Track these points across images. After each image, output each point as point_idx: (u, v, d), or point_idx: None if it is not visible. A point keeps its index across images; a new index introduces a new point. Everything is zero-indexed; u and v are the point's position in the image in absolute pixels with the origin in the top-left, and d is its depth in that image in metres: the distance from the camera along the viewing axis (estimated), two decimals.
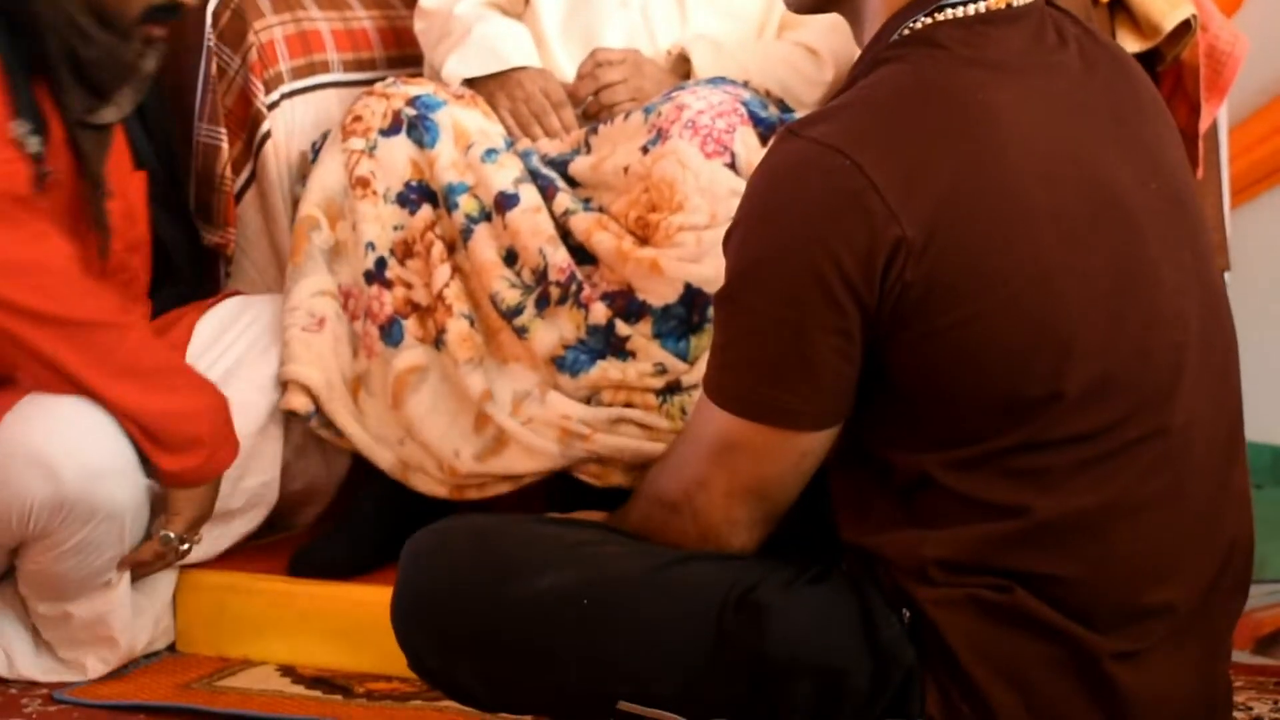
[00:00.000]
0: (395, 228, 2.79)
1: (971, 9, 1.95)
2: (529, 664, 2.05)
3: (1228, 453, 2.00)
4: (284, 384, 2.82)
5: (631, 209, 2.70)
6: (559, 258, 2.70)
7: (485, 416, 2.68)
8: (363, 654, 2.66)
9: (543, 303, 2.70)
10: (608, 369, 2.65)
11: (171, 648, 2.79)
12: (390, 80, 2.89)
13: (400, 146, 2.79)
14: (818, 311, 1.87)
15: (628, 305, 2.66)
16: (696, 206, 2.63)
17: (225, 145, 3.02)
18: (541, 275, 2.72)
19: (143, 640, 2.72)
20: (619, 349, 2.66)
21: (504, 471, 2.69)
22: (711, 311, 2.32)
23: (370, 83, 2.94)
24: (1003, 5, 1.96)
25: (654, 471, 2.14)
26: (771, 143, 1.99)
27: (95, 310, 2.55)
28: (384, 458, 2.79)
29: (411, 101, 2.82)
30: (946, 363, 1.88)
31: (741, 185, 2.48)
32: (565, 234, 2.74)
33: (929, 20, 1.94)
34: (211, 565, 2.82)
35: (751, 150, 2.66)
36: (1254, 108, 3.83)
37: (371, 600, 2.57)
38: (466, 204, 2.76)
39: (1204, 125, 2.98)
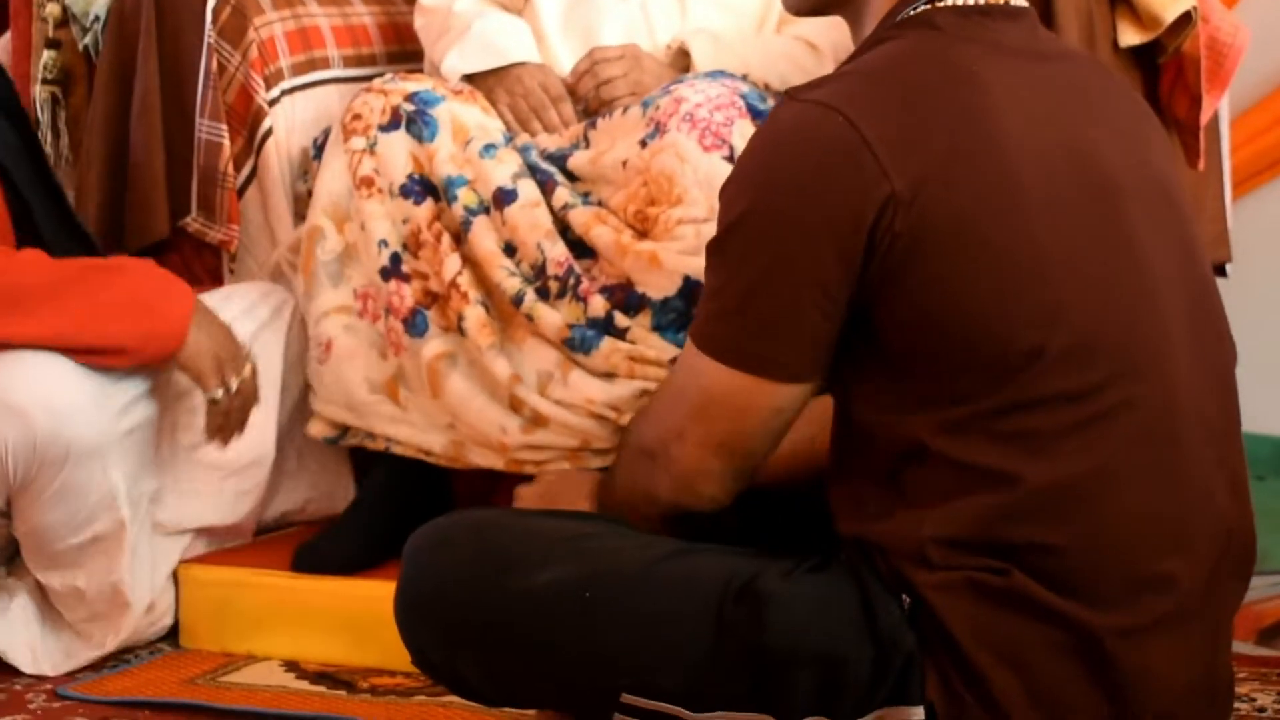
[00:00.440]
0: (404, 221, 2.79)
1: (970, 0, 1.99)
2: (531, 657, 2.05)
3: (1222, 435, 2.00)
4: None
5: (630, 203, 2.70)
6: (557, 252, 2.71)
7: (518, 398, 2.69)
8: (366, 649, 2.67)
9: (542, 296, 2.71)
10: (616, 343, 2.65)
11: (175, 643, 2.80)
12: (389, 76, 2.89)
13: (399, 142, 2.80)
14: (801, 265, 1.92)
15: (627, 298, 2.66)
16: (695, 200, 2.64)
17: (226, 141, 3.02)
18: (540, 269, 2.72)
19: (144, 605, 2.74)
20: (620, 338, 2.66)
21: (552, 444, 2.69)
22: None
23: (370, 78, 2.94)
24: (1000, 1, 2.00)
25: (636, 420, 2.19)
26: (773, 108, 2.02)
27: None
28: (437, 443, 2.79)
29: (410, 97, 2.82)
30: (933, 317, 1.90)
31: None
32: (564, 228, 2.74)
33: (927, 7, 2.00)
34: (215, 561, 2.82)
35: None
36: (1255, 99, 3.83)
37: (375, 595, 2.56)
38: (465, 197, 2.76)
39: (1205, 117, 2.98)
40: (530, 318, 2.69)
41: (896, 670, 1.93)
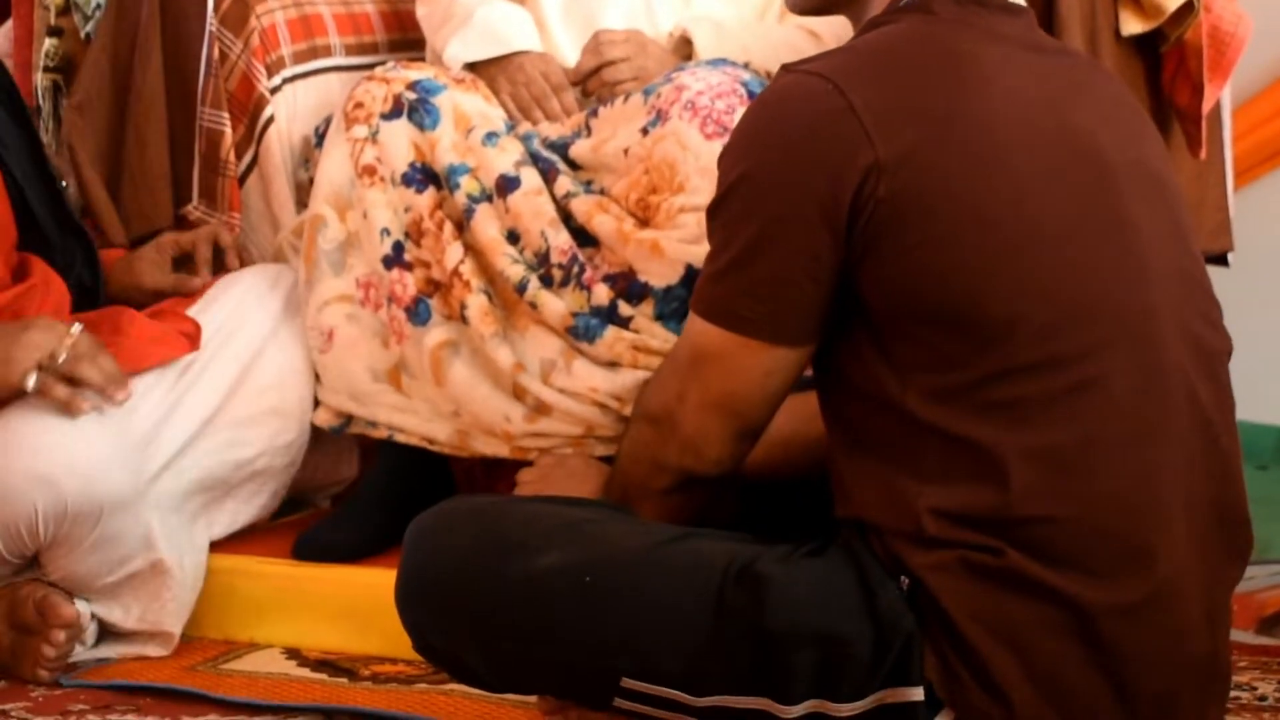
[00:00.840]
0: (406, 209, 2.79)
1: None
2: (533, 643, 2.06)
3: (1215, 419, 2.01)
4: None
5: (632, 191, 2.70)
6: (560, 240, 2.71)
7: (521, 386, 2.69)
8: (368, 637, 2.67)
9: (545, 284, 2.71)
10: (620, 332, 2.65)
11: None
12: (391, 64, 2.89)
13: (401, 130, 2.80)
14: (790, 229, 1.96)
15: (629, 287, 2.66)
16: (697, 188, 2.64)
17: (228, 129, 3.02)
18: (544, 257, 2.72)
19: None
20: (624, 327, 2.66)
21: (556, 432, 2.69)
22: None
23: (372, 67, 2.94)
24: None
25: (643, 391, 2.23)
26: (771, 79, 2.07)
27: None
28: (441, 431, 2.79)
29: (412, 85, 2.82)
30: (916, 283, 1.93)
31: None
32: (566, 216, 2.74)
33: None
34: (216, 549, 2.82)
35: None
36: (1258, 89, 3.83)
37: (376, 583, 2.57)
38: (468, 184, 2.76)
39: (1207, 106, 2.97)
40: (534, 305, 2.69)
41: (896, 651, 1.95)
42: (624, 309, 2.66)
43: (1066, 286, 1.94)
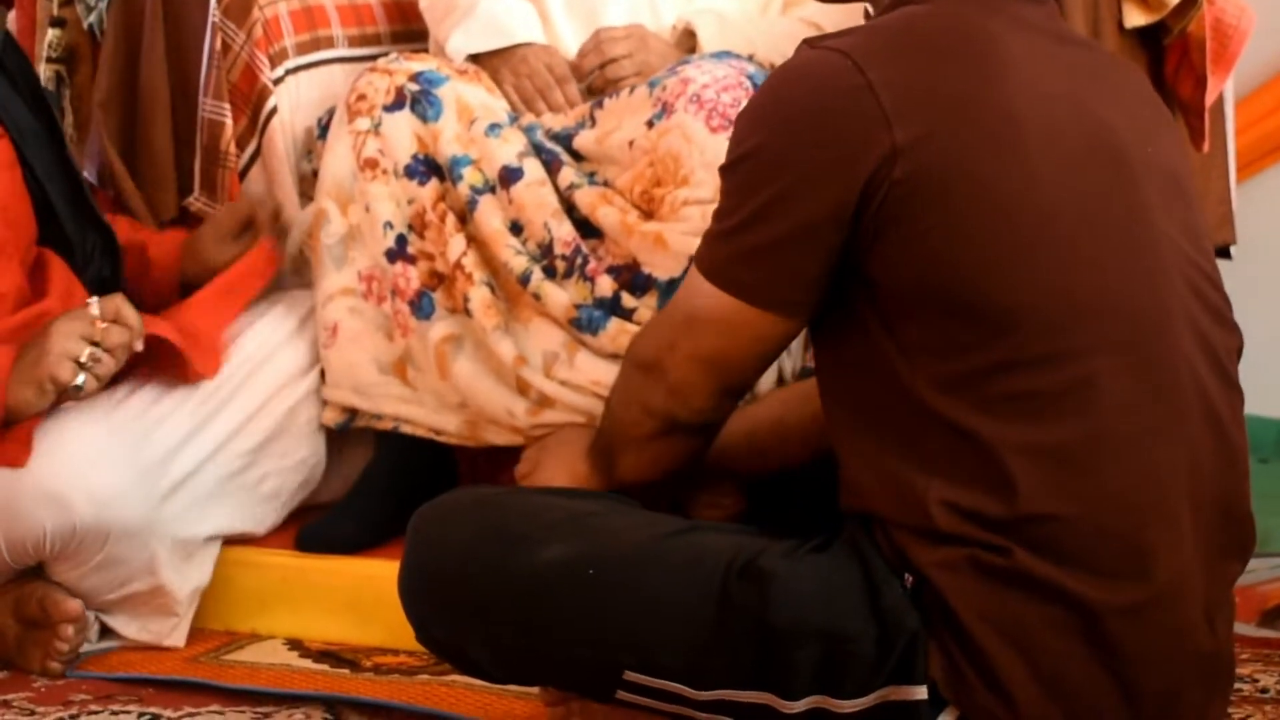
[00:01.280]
0: (409, 202, 2.79)
1: None
2: (535, 635, 2.06)
3: (1224, 412, 2.01)
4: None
5: (636, 183, 2.70)
6: (564, 231, 2.71)
7: (524, 380, 2.69)
8: (370, 628, 2.67)
9: (549, 275, 2.71)
10: (623, 324, 2.65)
11: None
12: (393, 56, 2.89)
13: (404, 122, 2.80)
14: (796, 203, 1.96)
15: (633, 279, 2.66)
16: (701, 181, 2.63)
17: (229, 121, 3.02)
18: (547, 249, 2.72)
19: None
20: (627, 319, 2.66)
21: (560, 423, 2.69)
22: None
23: (375, 58, 2.93)
24: None
25: (635, 336, 2.23)
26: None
27: None
28: (450, 423, 2.80)
29: (414, 77, 2.82)
30: (928, 266, 1.92)
31: None
32: (570, 208, 2.74)
33: None
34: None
35: None
36: (1260, 81, 3.82)
37: (379, 574, 2.57)
38: (471, 176, 2.76)
39: (1210, 99, 2.97)
40: (537, 297, 2.69)
41: (900, 649, 1.94)
42: (627, 301, 2.66)
43: (1078, 280, 1.93)
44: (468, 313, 2.73)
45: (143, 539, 2.61)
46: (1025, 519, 1.90)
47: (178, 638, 2.69)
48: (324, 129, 2.95)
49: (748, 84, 2.70)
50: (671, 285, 2.64)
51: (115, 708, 2.44)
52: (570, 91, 2.87)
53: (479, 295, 2.72)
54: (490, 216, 2.74)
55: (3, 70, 2.77)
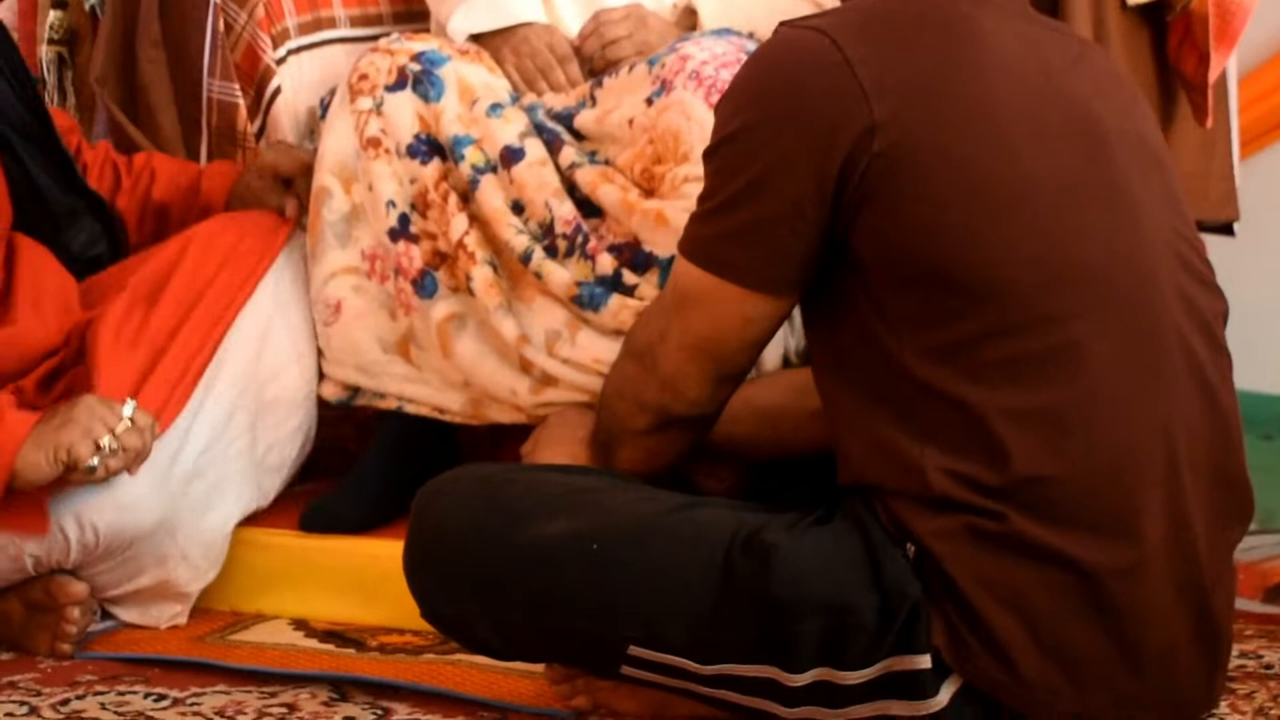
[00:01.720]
0: (411, 181, 2.79)
1: None
2: (540, 610, 2.07)
3: (1213, 375, 2.03)
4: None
5: (637, 161, 2.70)
6: (565, 210, 2.71)
7: (526, 359, 2.69)
8: (376, 607, 2.67)
9: (550, 254, 2.71)
10: (625, 300, 2.65)
11: None
12: (395, 36, 2.88)
13: (406, 101, 2.79)
14: (778, 181, 1.98)
15: (634, 257, 2.66)
16: (701, 156, 2.63)
17: (242, 101, 3.02)
18: (548, 228, 2.72)
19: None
20: (628, 296, 2.66)
21: (563, 402, 2.69)
22: None
23: (376, 38, 2.93)
24: None
25: (632, 326, 2.26)
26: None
27: None
28: (454, 402, 2.79)
29: (416, 57, 2.82)
30: (909, 238, 1.95)
31: None
32: (571, 187, 2.74)
33: None
34: None
35: None
36: (1263, 58, 3.82)
37: (384, 554, 2.57)
38: (472, 155, 2.76)
39: (1213, 75, 2.97)
40: (539, 275, 2.69)
41: (902, 619, 1.96)
42: (629, 278, 2.66)
43: (1058, 248, 1.95)
44: (470, 292, 2.73)
45: (160, 537, 2.62)
46: (1018, 483, 1.92)
47: (179, 620, 2.69)
48: (325, 109, 2.95)
49: (746, 59, 2.69)
50: (672, 263, 2.64)
51: (122, 688, 2.44)
52: (571, 70, 2.87)
53: (481, 274, 2.72)
54: (492, 196, 2.74)
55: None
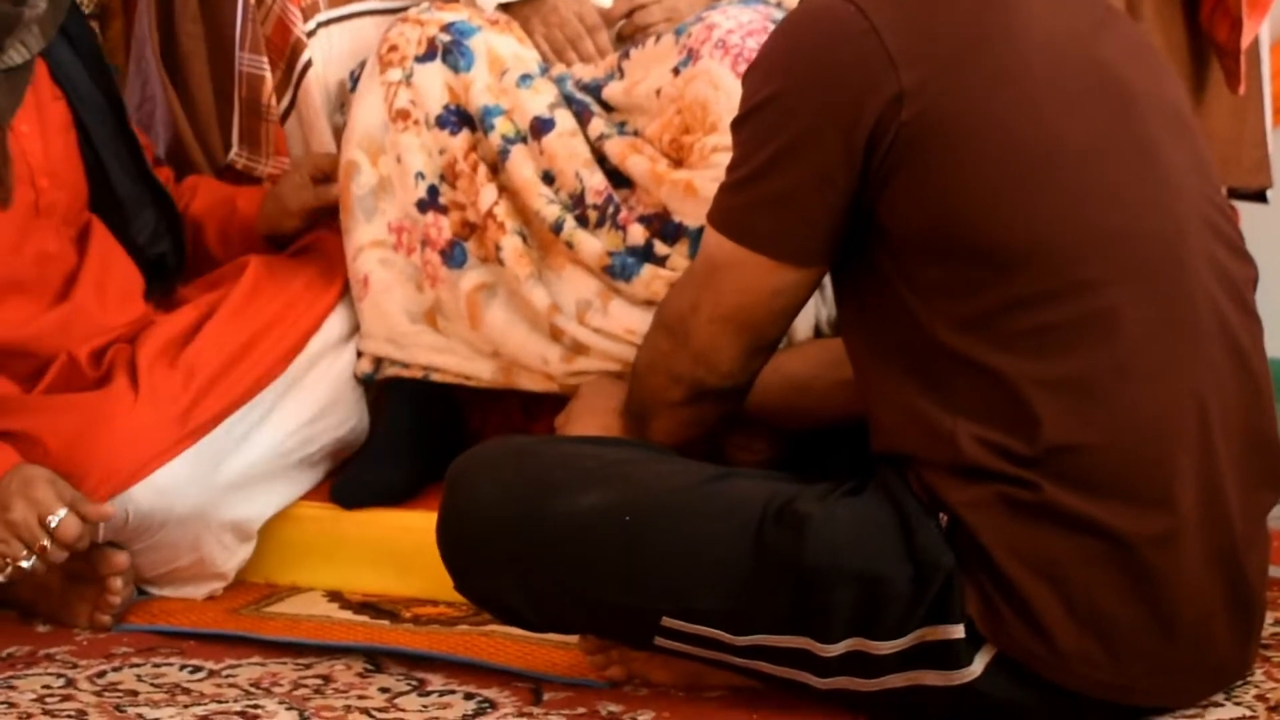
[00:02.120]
0: (440, 152, 2.79)
1: None
2: (574, 581, 2.07)
3: (1244, 340, 2.02)
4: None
5: (665, 131, 2.70)
6: (595, 181, 2.71)
7: (558, 327, 2.69)
8: (409, 579, 2.67)
9: (581, 224, 2.71)
10: (657, 270, 2.65)
11: None
12: (424, 6, 2.88)
13: (436, 72, 2.79)
14: (806, 150, 1.98)
15: (664, 227, 2.66)
16: (729, 126, 2.63)
17: (268, 74, 3.02)
18: (579, 199, 2.72)
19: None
20: (660, 266, 2.66)
21: (594, 370, 2.69)
22: None
23: (406, 9, 2.93)
24: None
25: (662, 300, 2.26)
26: None
27: None
28: (484, 369, 2.79)
29: (446, 27, 2.82)
30: (939, 205, 1.95)
31: None
32: (600, 158, 2.74)
33: None
34: None
35: None
36: None
37: (417, 525, 2.58)
38: (502, 125, 2.76)
39: (1246, 41, 2.96)
40: (570, 245, 2.69)
41: (936, 589, 1.96)
42: (660, 248, 2.66)
43: (1089, 214, 1.95)
44: (500, 262, 2.73)
45: (195, 525, 2.63)
46: (1051, 451, 1.92)
47: (216, 593, 2.71)
48: (355, 82, 2.95)
49: (773, 29, 2.69)
50: (702, 232, 2.64)
51: (157, 660, 2.45)
52: (601, 40, 2.87)
53: (511, 244, 2.72)
54: (522, 166, 2.74)
55: (67, 38, 2.78)
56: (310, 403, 2.79)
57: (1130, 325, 1.94)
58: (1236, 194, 3.12)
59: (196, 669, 2.41)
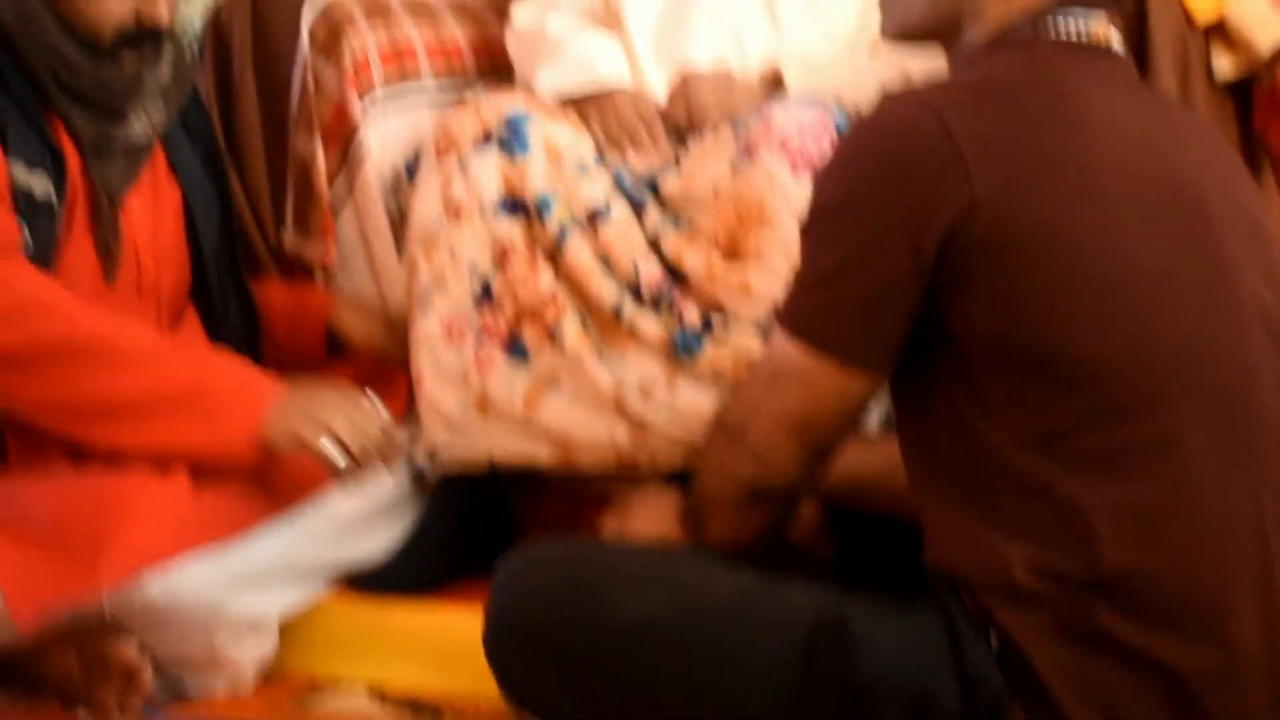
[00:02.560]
0: (495, 241, 2.79)
1: (1073, 34, 2.04)
2: (621, 688, 2.06)
3: None
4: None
5: (721, 227, 2.70)
6: (651, 269, 2.71)
7: (623, 404, 2.69)
8: (453, 676, 2.66)
9: (638, 305, 2.71)
10: (720, 346, 2.65)
11: None
12: (481, 93, 2.89)
13: (491, 159, 2.80)
14: (875, 256, 1.96)
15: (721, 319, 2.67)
16: (784, 223, 2.63)
17: (321, 156, 3.04)
18: (634, 287, 2.72)
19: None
20: (723, 343, 2.65)
21: (660, 448, 2.69)
22: None
23: (462, 95, 2.94)
24: (1103, 43, 2.05)
25: (724, 401, 2.25)
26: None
27: None
28: (542, 452, 2.78)
29: (502, 115, 2.82)
30: (1007, 322, 1.93)
31: None
32: (656, 252, 2.74)
33: (1031, 33, 2.04)
34: None
35: None
36: None
37: (462, 623, 2.57)
38: (559, 212, 2.76)
39: None
40: (632, 327, 2.69)
41: (984, 709, 1.94)
42: (718, 328, 2.66)
43: (1159, 334, 1.93)
44: (559, 345, 2.72)
45: (203, 619, 2.58)
46: (1108, 577, 1.90)
47: (242, 690, 2.67)
48: (410, 171, 2.96)
49: (833, 130, 2.70)
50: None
51: None
52: (656, 130, 2.87)
53: (571, 324, 2.72)
54: (580, 250, 2.74)
55: (185, 127, 2.80)
56: (338, 518, 2.75)
57: (1195, 453, 1.92)
58: None
59: None
